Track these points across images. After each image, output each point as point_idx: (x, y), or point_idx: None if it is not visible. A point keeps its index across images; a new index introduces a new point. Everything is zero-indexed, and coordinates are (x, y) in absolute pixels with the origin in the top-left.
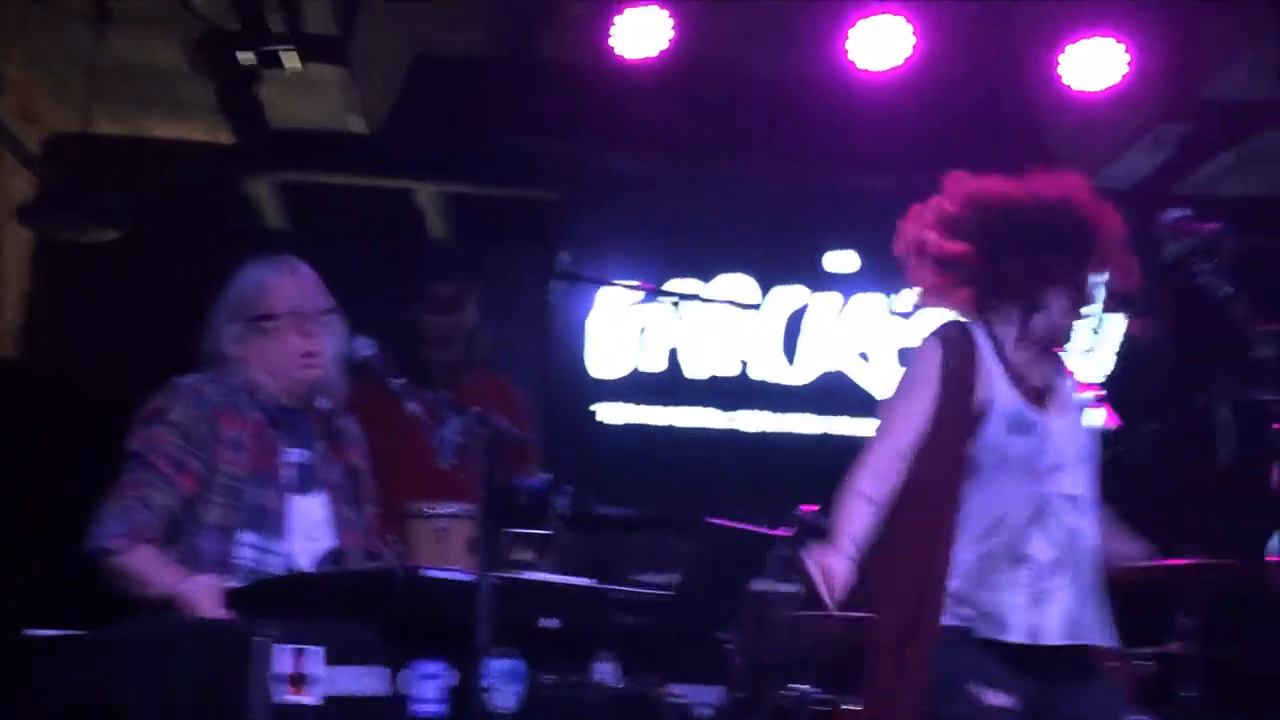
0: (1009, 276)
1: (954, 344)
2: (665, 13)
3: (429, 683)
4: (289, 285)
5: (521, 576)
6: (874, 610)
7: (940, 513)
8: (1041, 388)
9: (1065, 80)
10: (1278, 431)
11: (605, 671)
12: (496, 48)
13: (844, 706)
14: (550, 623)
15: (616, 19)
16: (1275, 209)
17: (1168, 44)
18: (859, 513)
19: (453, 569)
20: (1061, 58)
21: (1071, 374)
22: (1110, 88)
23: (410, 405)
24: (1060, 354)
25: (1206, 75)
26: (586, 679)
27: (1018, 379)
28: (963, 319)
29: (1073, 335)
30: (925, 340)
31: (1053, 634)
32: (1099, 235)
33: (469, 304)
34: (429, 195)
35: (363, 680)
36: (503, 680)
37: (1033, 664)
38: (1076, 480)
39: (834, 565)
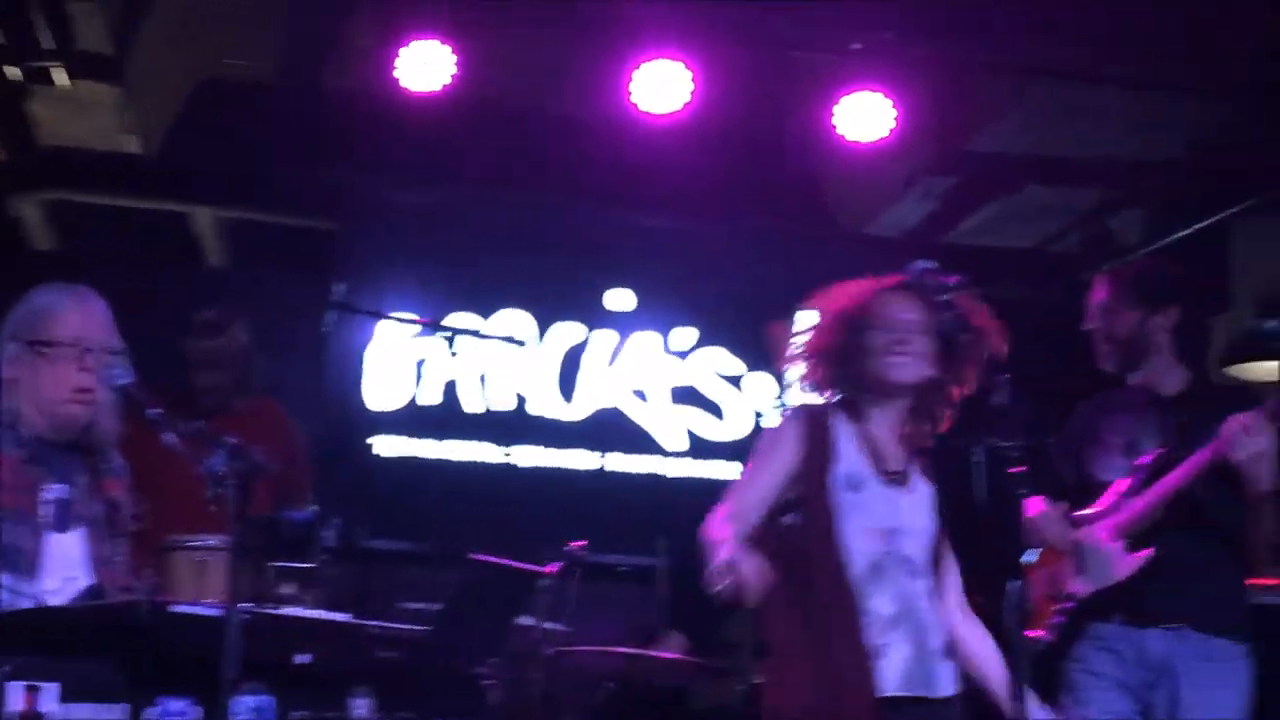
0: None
1: (814, 414)
2: (448, 48)
3: None
4: (76, 315)
5: (273, 611)
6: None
7: (819, 561)
8: (897, 467)
9: (839, 131)
10: (1014, 474)
11: (361, 707)
12: (281, 76)
13: None
14: (304, 658)
15: (401, 51)
16: (1034, 261)
17: (934, 100)
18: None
19: (206, 603)
20: (836, 109)
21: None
22: (880, 140)
23: (166, 436)
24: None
25: (972, 131)
26: (342, 715)
27: (871, 451)
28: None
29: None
30: (789, 412)
31: (889, 686)
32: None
33: (235, 328)
34: (206, 220)
35: (100, 718)
36: (250, 717)
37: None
38: (915, 545)
39: (749, 562)
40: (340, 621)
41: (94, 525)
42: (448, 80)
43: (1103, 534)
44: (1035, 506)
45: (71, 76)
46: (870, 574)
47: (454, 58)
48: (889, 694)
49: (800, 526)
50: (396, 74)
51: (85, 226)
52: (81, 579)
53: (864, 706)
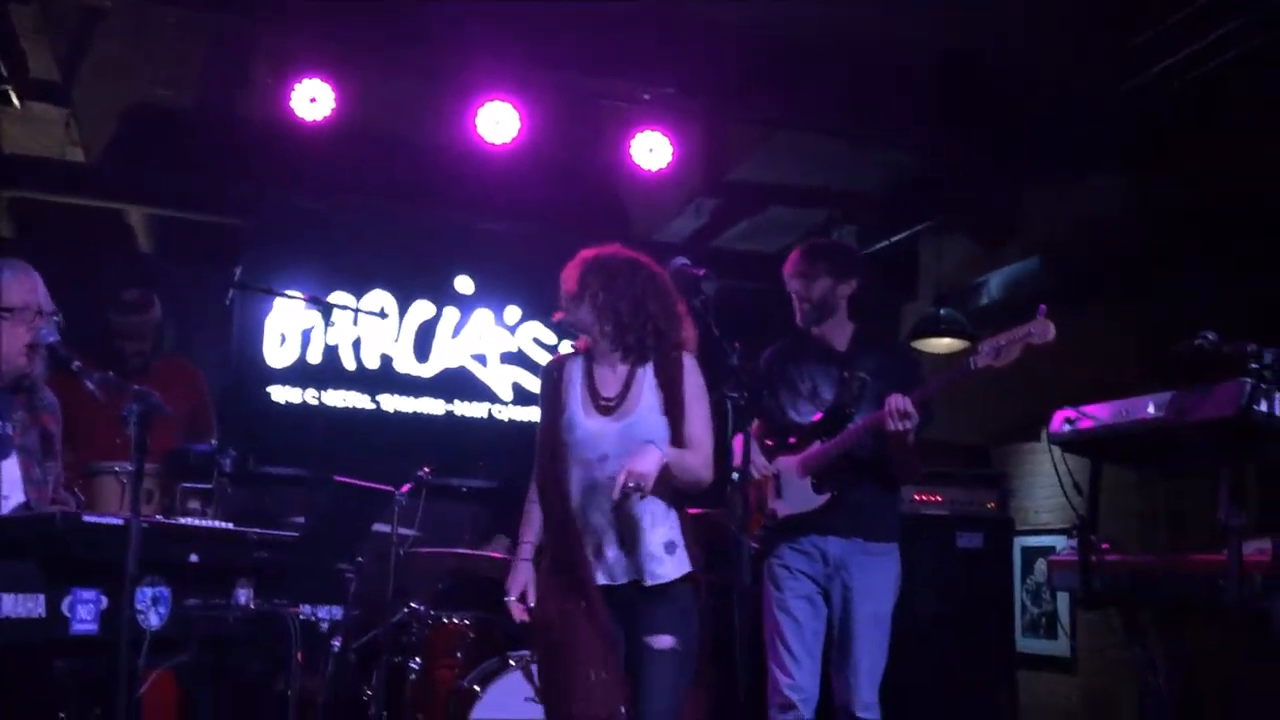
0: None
1: (549, 371)
2: (329, 85)
3: (84, 607)
4: (24, 284)
5: (167, 520)
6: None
7: (554, 488)
8: (612, 398)
9: (633, 160)
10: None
11: (242, 596)
12: (199, 103)
13: (444, 620)
14: (194, 558)
15: (295, 86)
16: (778, 264)
17: (703, 140)
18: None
19: (114, 514)
20: (630, 144)
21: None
22: (663, 169)
23: (88, 383)
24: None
25: (731, 165)
26: (227, 602)
27: (590, 392)
28: (572, 348)
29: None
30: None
31: (603, 578)
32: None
33: (153, 307)
34: (138, 217)
35: (23, 605)
36: (148, 604)
37: (604, 597)
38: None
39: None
40: (223, 529)
41: (28, 453)
42: (330, 111)
43: (794, 467)
44: (739, 441)
45: (23, 99)
46: (586, 494)
47: (334, 93)
48: (603, 584)
49: (539, 460)
50: (290, 104)
51: (38, 220)
52: (15, 497)
53: (584, 592)
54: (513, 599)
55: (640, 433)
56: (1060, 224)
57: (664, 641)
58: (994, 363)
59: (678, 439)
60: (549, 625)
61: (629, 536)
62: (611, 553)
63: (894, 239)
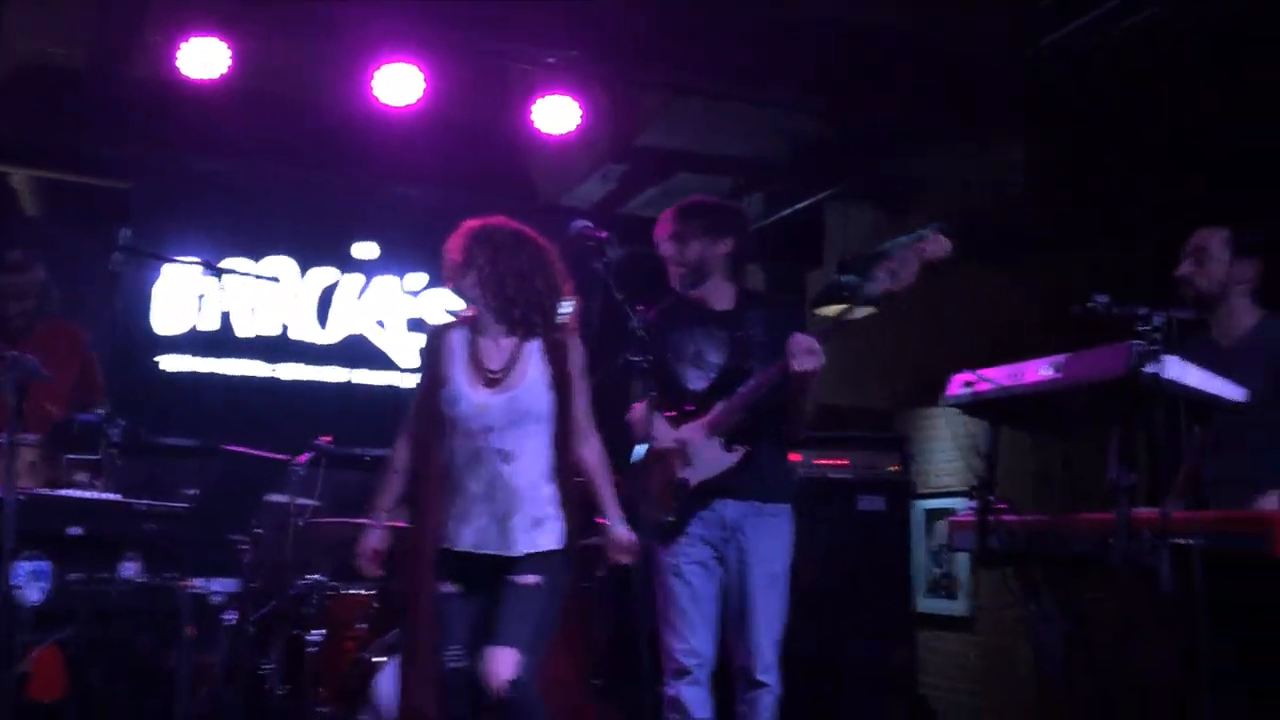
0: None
1: (431, 339)
2: (224, 44)
3: None
4: None
5: (46, 492)
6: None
7: (430, 457)
8: (497, 370)
9: (538, 125)
10: (640, 382)
11: (129, 570)
12: (89, 63)
13: (344, 591)
14: (76, 530)
15: (183, 46)
16: None
17: (609, 105)
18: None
19: None
20: (535, 108)
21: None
22: (569, 133)
23: None
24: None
25: (638, 131)
26: (111, 576)
27: (475, 364)
28: (454, 317)
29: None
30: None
31: (464, 543)
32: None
33: (36, 267)
34: (22, 179)
35: None
36: (28, 579)
37: (471, 565)
38: (508, 438)
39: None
40: (108, 500)
41: None
42: (224, 70)
43: (697, 433)
44: (638, 410)
45: None
46: (467, 464)
47: (229, 52)
48: (461, 549)
49: (415, 429)
50: (180, 64)
51: None
52: None
53: (450, 566)
54: (365, 561)
55: (525, 406)
56: (963, 191)
57: (529, 579)
58: (892, 286)
59: (564, 415)
60: (415, 602)
61: (506, 509)
62: (486, 524)
63: (799, 206)
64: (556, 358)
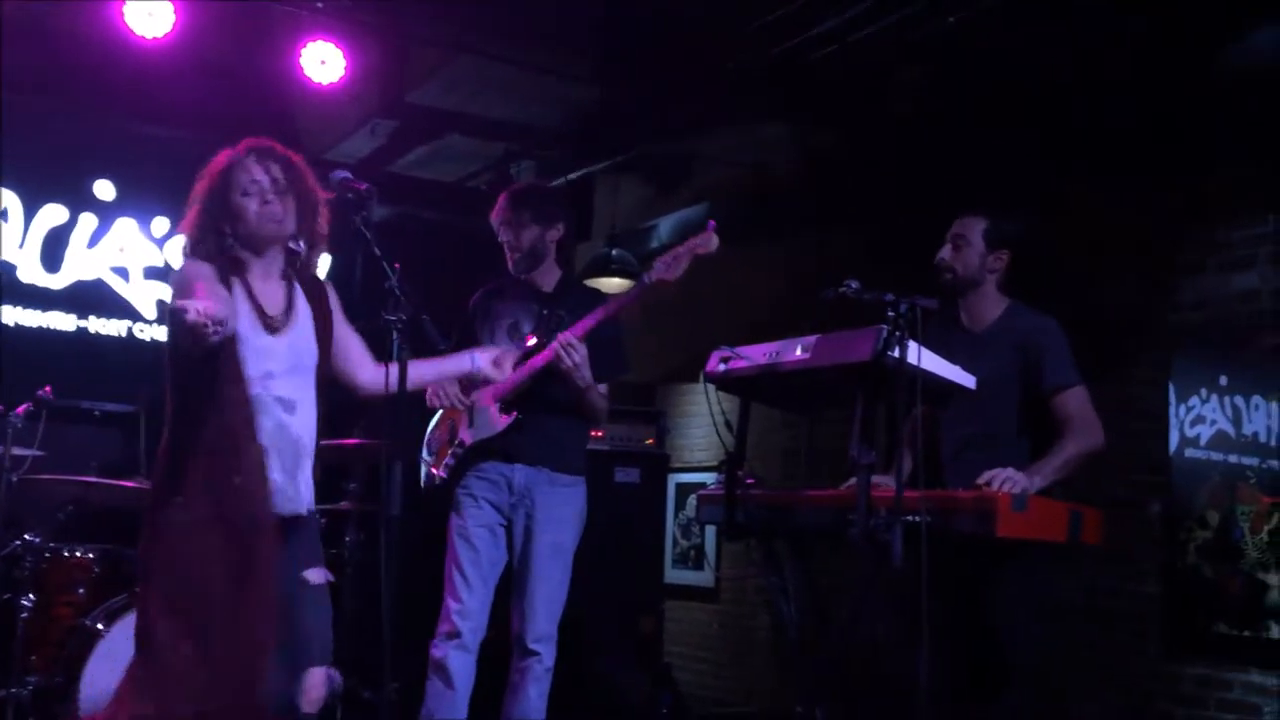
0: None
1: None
2: None
3: None
4: None
5: None
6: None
7: (200, 407)
8: (275, 313)
9: (305, 71)
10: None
11: None
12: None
13: (65, 553)
14: None
15: None
16: (454, 193)
17: (379, 57)
18: None
19: None
20: (301, 53)
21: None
22: (334, 84)
23: None
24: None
25: (408, 87)
26: None
27: (253, 303)
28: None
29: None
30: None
31: (273, 506)
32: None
33: None
34: None
35: None
36: None
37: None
38: (288, 385)
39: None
40: None
41: None
42: None
43: (487, 398)
44: (416, 367)
45: None
46: (256, 415)
47: None
48: (274, 514)
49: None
50: None
51: None
52: None
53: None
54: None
55: (302, 348)
56: (730, 171)
57: (319, 575)
58: (666, 276)
59: (327, 356)
60: (198, 573)
61: (293, 462)
62: (278, 478)
63: (570, 177)
64: (318, 298)
